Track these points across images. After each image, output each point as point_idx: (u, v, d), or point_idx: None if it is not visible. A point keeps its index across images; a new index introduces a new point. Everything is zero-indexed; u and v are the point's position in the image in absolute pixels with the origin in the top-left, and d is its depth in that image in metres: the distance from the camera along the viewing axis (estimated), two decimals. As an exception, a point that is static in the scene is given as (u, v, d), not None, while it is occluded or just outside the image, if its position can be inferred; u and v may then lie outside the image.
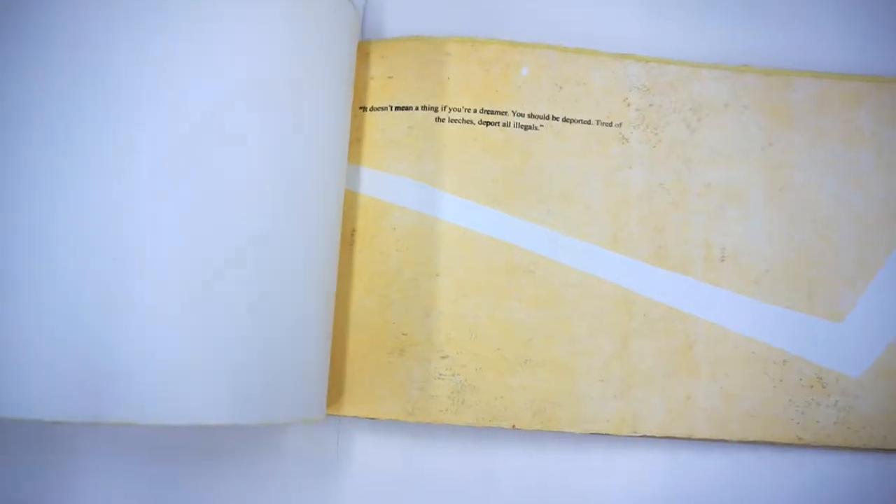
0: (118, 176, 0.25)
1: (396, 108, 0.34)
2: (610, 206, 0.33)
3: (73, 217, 0.25)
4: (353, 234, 0.33)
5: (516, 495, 0.32)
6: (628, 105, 0.34)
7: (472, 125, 0.34)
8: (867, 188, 0.33)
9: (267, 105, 0.28)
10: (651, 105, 0.34)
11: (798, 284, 0.33)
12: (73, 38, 0.26)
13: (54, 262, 0.25)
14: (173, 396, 0.25)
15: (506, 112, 0.34)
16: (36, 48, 0.26)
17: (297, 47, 0.29)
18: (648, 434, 0.31)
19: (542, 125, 0.34)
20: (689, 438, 0.31)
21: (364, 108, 0.34)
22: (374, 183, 0.34)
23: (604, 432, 0.31)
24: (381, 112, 0.34)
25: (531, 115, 0.34)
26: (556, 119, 0.34)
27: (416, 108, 0.34)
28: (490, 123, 0.34)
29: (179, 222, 0.26)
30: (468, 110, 0.34)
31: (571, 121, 0.34)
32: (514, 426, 0.31)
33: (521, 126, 0.34)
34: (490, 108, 0.34)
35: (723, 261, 0.33)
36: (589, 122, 0.34)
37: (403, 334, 0.32)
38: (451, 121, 0.34)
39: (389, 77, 0.35)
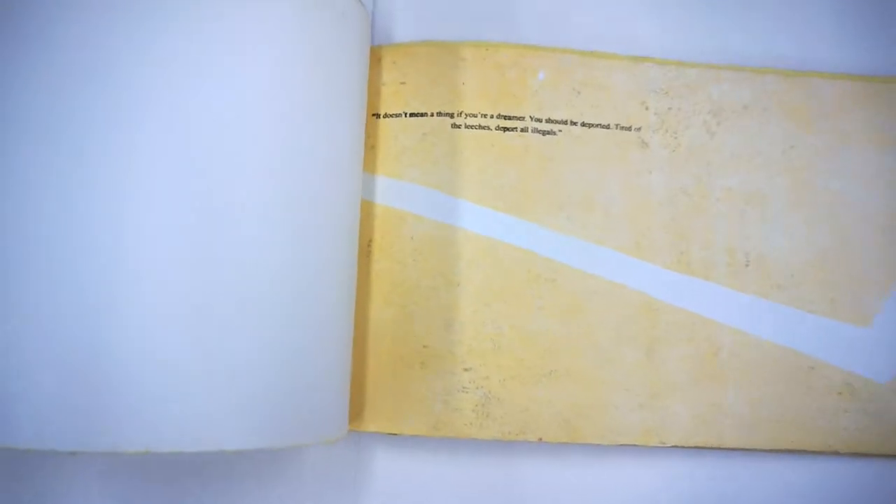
0: (122, 181, 0.24)
1: (411, 115, 0.33)
2: (630, 211, 0.33)
3: (74, 218, 0.24)
4: (370, 245, 0.32)
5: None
6: (647, 109, 0.34)
7: (488, 131, 0.33)
8: (891, 190, 0.33)
9: (278, 109, 0.27)
10: (670, 109, 0.34)
11: (823, 289, 0.32)
12: (75, 39, 0.25)
13: (52, 275, 0.24)
14: (192, 422, 0.24)
15: (523, 117, 0.33)
16: (37, 49, 0.25)
17: (309, 50, 0.28)
18: (676, 444, 0.31)
19: (560, 130, 0.33)
20: (717, 448, 0.31)
21: (377, 115, 0.34)
22: (390, 191, 0.33)
23: (631, 443, 0.31)
24: (394, 119, 0.33)
25: (549, 121, 0.33)
26: (575, 124, 0.33)
27: (431, 115, 0.33)
28: (507, 129, 0.33)
29: (186, 235, 0.24)
30: (484, 116, 0.33)
31: (590, 125, 0.33)
32: (540, 439, 0.30)
33: (538, 131, 0.33)
34: (507, 114, 0.33)
35: (747, 266, 0.32)
36: (608, 127, 0.33)
37: (424, 346, 0.31)
38: (467, 127, 0.33)
39: (402, 83, 0.34)
